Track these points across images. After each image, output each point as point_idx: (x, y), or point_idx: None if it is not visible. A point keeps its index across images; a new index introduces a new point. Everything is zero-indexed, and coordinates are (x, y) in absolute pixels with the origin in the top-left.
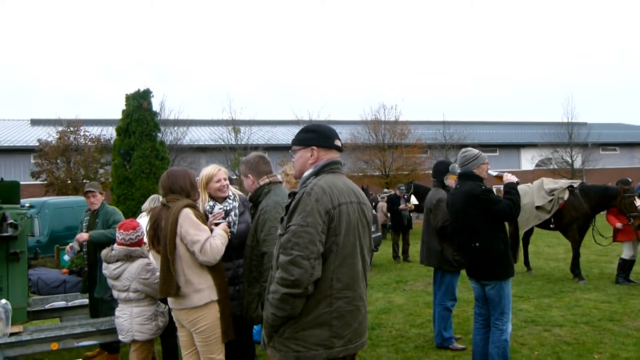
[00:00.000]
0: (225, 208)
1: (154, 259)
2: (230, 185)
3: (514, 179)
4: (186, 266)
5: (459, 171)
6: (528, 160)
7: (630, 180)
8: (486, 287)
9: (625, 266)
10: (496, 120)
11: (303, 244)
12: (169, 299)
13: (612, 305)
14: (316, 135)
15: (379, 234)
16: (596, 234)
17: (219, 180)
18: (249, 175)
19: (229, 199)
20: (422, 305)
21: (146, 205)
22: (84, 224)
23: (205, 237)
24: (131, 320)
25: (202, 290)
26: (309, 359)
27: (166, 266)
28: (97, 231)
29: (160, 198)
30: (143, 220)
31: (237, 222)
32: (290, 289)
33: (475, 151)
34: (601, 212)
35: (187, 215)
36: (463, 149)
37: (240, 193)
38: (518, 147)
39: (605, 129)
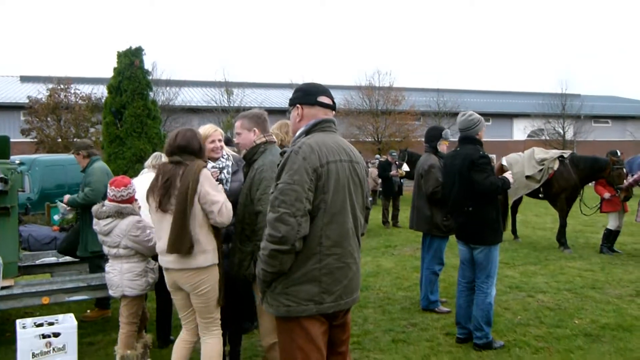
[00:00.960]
0: (217, 166)
1: (147, 217)
2: (225, 146)
3: (511, 180)
4: (198, 225)
5: (450, 137)
6: (520, 130)
7: (619, 153)
8: (475, 251)
9: (610, 236)
10: (490, 89)
11: (289, 202)
12: (168, 260)
13: (595, 273)
14: (301, 93)
15: (370, 199)
16: (583, 204)
17: (213, 141)
18: (255, 129)
19: (222, 157)
20: (410, 269)
21: (149, 162)
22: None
23: (224, 198)
24: (121, 276)
25: (208, 251)
26: (299, 313)
27: (181, 223)
28: (73, 195)
29: (164, 157)
30: (146, 177)
31: (229, 180)
32: (278, 246)
33: (478, 116)
34: (589, 184)
35: (207, 176)
36: (463, 112)
37: (234, 153)
38: (511, 116)
39: (599, 101)
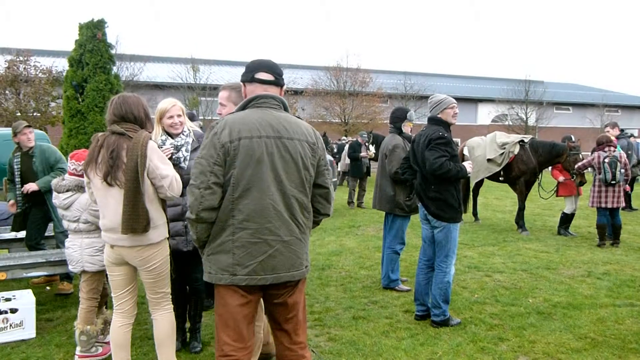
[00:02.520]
0: (175, 143)
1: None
2: (189, 122)
3: (469, 169)
4: (148, 201)
5: (415, 119)
6: (485, 115)
7: (574, 138)
8: (435, 230)
9: (566, 220)
10: (456, 74)
11: (196, 174)
12: (117, 237)
13: (550, 254)
14: (245, 70)
15: (335, 179)
16: (541, 188)
17: (171, 117)
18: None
19: (183, 134)
20: (372, 248)
21: None
22: (15, 167)
23: (173, 172)
24: (81, 251)
25: (159, 226)
26: (217, 281)
27: (134, 201)
28: (45, 179)
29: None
30: None
31: (187, 158)
32: (188, 214)
33: (441, 96)
34: (547, 168)
35: (154, 149)
36: (432, 95)
37: (197, 129)
38: (476, 101)
39: (561, 88)
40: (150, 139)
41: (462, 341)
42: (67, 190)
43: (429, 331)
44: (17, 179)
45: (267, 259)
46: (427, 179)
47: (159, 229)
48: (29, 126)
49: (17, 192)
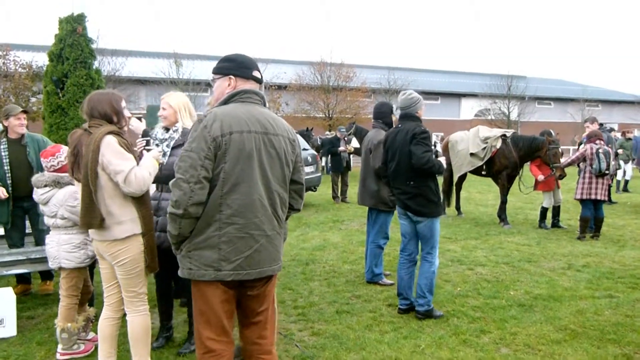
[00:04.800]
0: (155, 136)
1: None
2: (188, 120)
3: (444, 165)
4: (108, 197)
5: (399, 112)
6: (468, 110)
7: (554, 133)
8: (418, 224)
9: (546, 213)
10: (440, 69)
11: (184, 168)
12: (90, 230)
13: (532, 248)
14: (234, 64)
15: (318, 174)
16: (521, 183)
17: (162, 109)
18: None
19: (172, 129)
20: (356, 243)
21: None
22: (2, 153)
23: (130, 166)
24: (58, 248)
25: (124, 222)
26: (199, 277)
27: (88, 196)
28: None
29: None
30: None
31: (168, 153)
32: (174, 209)
33: (416, 94)
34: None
35: (109, 143)
36: (404, 92)
37: (187, 127)
38: (459, 96)
39: (543, 83)
40: (111, 133)
41: (444, 334)
42: (45, 186)
43: (412, 324)
44: (6, 167)
45: (253, 253)
46: (405, 175)
47: (124, 225)
48: (25, 111)
49: (8, 182)
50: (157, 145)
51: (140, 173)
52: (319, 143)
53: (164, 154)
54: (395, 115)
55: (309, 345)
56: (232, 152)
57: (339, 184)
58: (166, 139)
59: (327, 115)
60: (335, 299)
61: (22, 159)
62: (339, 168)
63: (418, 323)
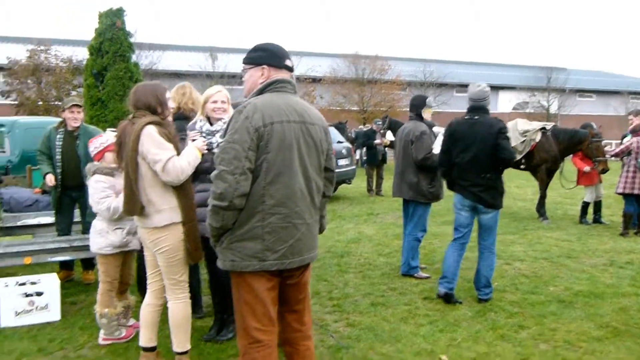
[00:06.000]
0: (211, 129)
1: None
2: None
3: None
4: (148, 185)
5: (471, 103)
6: (505, 103)
7: (595, 126)
8: (485, 216)
9: (587, 209)
10: (477, 60)
11: (228, 160)
12: (136, 217)
13: (572, 243)
14: (267, 54)
15: (353, 167)
16: (562, 177)
17: (215, 102)
18: None
19: (222, 121)
20: (391, 236)
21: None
22: (57, 143)
23: (168, 156)
24: (92, 231)
25: (164, 211)
26: (243, 268)
27: (129, 185)
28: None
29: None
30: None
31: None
32: (218, 202)
33: (487, 87)
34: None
35: (149, 133)
36: (477, 84)
37: None
38: (497, 89)
39: (585, 75)
40: (152, 123)
41: (481, 328)
42: (89, 175)
43: (448, 318)
44: (58, 157)
45: (295, 242)
46: (481, 167)
47: (164, 214)
48: (77, 105)
49: (58, 171)
50: (204, 137)
51: (179, 162)
52: (353, 136)
53: (217, 145)
54: (431, 108)
55: (344, 335)
56: (274, 142)
57: (374, 177)
58: (217, 131)
59: (362, 108)
60: (370, 291)
61: (72, 150)
62: (375, 161)
63: (454, 316)
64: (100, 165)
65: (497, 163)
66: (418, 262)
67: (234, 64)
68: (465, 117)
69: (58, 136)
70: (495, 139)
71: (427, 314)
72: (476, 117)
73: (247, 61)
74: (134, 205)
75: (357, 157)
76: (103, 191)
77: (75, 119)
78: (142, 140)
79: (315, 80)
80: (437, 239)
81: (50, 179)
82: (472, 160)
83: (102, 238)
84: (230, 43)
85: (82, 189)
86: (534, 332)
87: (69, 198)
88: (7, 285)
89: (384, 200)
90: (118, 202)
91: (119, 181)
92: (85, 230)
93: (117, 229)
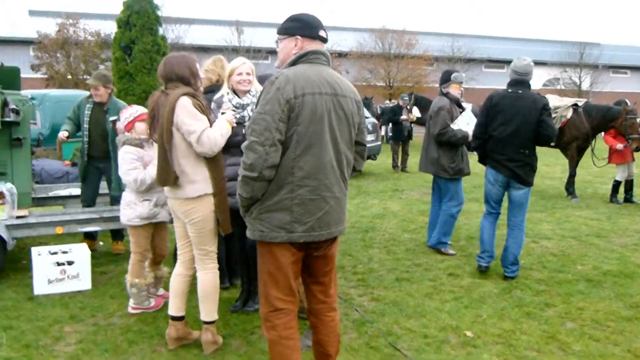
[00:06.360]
0: (241, 102)
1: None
2: (258, 84)
3: None
4: (181, 156)
5: (462, 81)
6: (535, 79)
7: (629, 103)
8: (518, 192)
9: (618, 187)
10: (506, 35)
11: (259, 131)
12: (165, 188)
13: (601, 222)
14: (301, 24)
15: (378, 143)
16: (594, 156)
17: (240, 74)
18: None
19: (250, 93)
20: (416, 212)
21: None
22: (86, 112)
23: (203, 127)
24: (122, 203)
25: (197, 182)
26: (271, 239)
27: (163, 155)
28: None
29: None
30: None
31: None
32: (247, 172)
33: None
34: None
35: (184, 105)
36: (522, 58)
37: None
38: None
39: (618, 50)
40: (186, 94)
41: (506, 305)
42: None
43: (473, 295)
44: (85, 126)
45: (323, 215)
46: (521, 143)
47: (197, 184)
48: (104, 85)
49: (85, 139)
50: (234, 110)
51: (213, 134)
52: (379, 112)
53: (249, 118)
54: (456, 82)
55: (369, 310)
56: (305, 114)
57: (400, 153)
58: (247, 104)
59: (388, 83)
60: (395, 266)
61: (101, 122)
62: (400, 137)
63: (479, 293)
64: (130, 136)
65: (538, 139)
66: (449, 239)
67: (259, 38)
68: (509, 91)
69: (87, 105)
70: (540, 115)
71: (452, 290)
72: (519, 92)
73: (281, 31)
74: (168, 175)
75: (382, 133)
76: (131, 162)
77: (97, 94)
78: (176, 112)
79: (341, 55)
80: (463, 216)
81: (62, 134)
82: (512, 134)
83: (130, 210)
84: (256, 17)
85: (107, 160)
86: (561, 310)
87: (95, 168)
88: (40, 254)
89: (409, 177)
90: (145, 174)
91: (149, 152)
92: (112, 202)
93: (145, 200)
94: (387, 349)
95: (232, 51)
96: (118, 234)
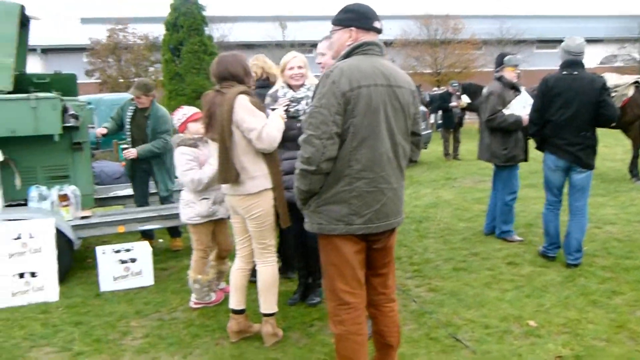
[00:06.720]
0: (296, 96)
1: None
2: (312, 77)
3: None
4: (241, 153)
5: (517, 63)
6: (591, 57)
7: None
8: (579, 175)
9: None
10: (556, 13)
11: (315, 124)
12: (224, 186)
13: None
14: (355, 15)
15: (428, 131)
16: None
17: (291, 68)
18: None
19: (305, 87)
20: (471, 200)
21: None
22: (128, 113)
23: (262, 124)
24: (181, 203)
25: (257, 177)
26: (330, 231)
27: (224, 153)
28: (146, 147)
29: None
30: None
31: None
32: (305, 166)
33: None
34: None
35: (242, 102)
36: (573, 37)
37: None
38: None
39: None
40: (242, 92)
41: (570, 294)
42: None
43: (534, 283)
44: (127, 126)
45: (381, 207)
46: (581, 126)
47: (257, 180)
48: (145, 94)
49: (128, 139)
50: (288, 104)
51: (271, 130)
52: (428, 99)
53: (304, 112)
54: (510, 65)
55: (427, 300)
56: (361, 106)
57: (451, 141)
58: (302, 98)
59: (435, 70)
60: (452, 256)
61: (142, 126)
62: (451, 124)
63: (541, 282)
64: (185, 137)
65: (598, 121)
66: (511, 227)
67: (303, 32)
68: (563, 73)
69: (130, 108)
70: (599, 95)
71: (512, 279)
72: (575, 73)
73: (335, 22)
74: (229, 173)
75: (432, 120)
76: (187, 163)
77: (140, 102)
78: (235, 110)
79: (386, 43)
80: (519, 203)
81: (100, 131)
82: (572, 117)
83: (189, 209)
84: (299, 11)
85: (149, 161)
86: (630, 298)
87: (141, 170)
88: (104, 253)
89: (462, 164)
90: (201, 173)
91: (204, 152)
92: (161, 202)
93: (203, 199)
94: (447, 340)
95: (276, 46)
96: (176, 231)
